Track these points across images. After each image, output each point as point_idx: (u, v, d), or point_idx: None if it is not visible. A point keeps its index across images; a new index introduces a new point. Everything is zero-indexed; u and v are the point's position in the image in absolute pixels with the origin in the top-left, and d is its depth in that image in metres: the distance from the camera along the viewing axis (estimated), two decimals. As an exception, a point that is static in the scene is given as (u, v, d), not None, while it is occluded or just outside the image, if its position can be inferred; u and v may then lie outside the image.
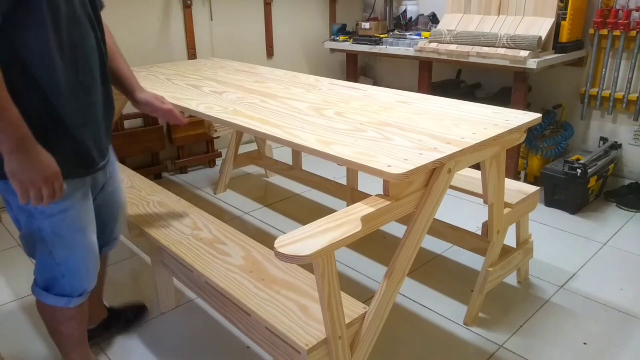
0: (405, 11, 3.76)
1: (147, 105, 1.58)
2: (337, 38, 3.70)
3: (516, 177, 2.97)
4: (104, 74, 1.33)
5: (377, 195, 1.31)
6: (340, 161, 1.31)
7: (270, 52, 3.89)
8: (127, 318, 1.90)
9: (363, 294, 2.09)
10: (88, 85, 1.26)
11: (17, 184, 1.10)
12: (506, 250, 1.95)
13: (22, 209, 1.26)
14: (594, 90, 2.98)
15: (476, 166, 1.65)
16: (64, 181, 1.20)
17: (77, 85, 1.22)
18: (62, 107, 1.19)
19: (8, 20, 1.05)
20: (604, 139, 3.06)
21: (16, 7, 1.05)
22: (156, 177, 3.39)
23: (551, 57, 2.72)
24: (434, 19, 3.58)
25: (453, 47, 2.91)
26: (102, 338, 1.82)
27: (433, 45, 3.01)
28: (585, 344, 1.79)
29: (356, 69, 3.85)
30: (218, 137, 3.22)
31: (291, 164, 2.95)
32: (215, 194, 3.13)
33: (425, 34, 3.28)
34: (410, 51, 3.15)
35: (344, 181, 2.67)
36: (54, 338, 1.50)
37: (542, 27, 2.74)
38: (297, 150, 2.80)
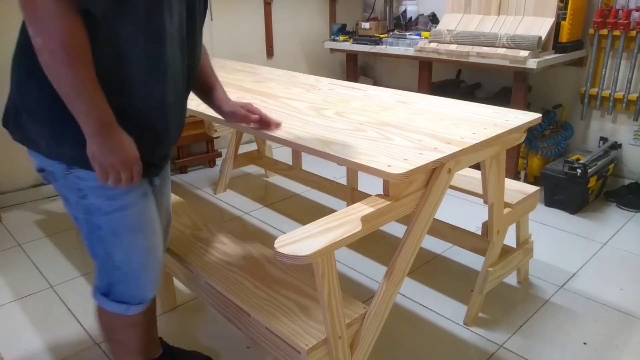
0: (405, 11, 3.76)
1: (232, 117, 1.50)
2: (337, 38, 3.70)
3: (516, 177, 2.97)
4: (187, 89, 1.32)
5: (377, 195, 1.30)
6: (340, 161, 1.31)
7: (270, 52, 3.89)
8: None
9: (363, 294, 2.09)
10: (173, 101, 1.23)
11: (97, 166, 1.10)
12: (506, 250, 1.95)
13: (80, 205, 1.20)
14: (594, 90, 2.98)
15: (476, 166, 1.65)
16: None
17: (162, 97, 1.19)
18: (143, 115, 1.18)
19: (108, 18, 1.04)
20: (604, 139, 3.06)
21: (117, 12, 1.05)
22: (156, 177, 3.38)
23: (551, 57, 2.72)
24: (434, 19, 3.58)
25: (453, 47, 2.91)
26: None
27: (433, 45, 3.01)
28: (585, 344, 1.79)
29: (356, 69, 3.85)
30: (218, 137, 3.22)
31: (291, 164, 2.95)
32: (215, 194, 3.13)
33: (425, 34, 3.28)
34: (410, 51, 3.15)
35: (344, 181, 2.67)
36: (110, 345, 1.44)
37: (542, 27, 2.74)
38: (297, 150, 2.80)
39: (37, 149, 1.17)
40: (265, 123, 1.53)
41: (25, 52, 1.09)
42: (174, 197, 2.12)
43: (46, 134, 1.13)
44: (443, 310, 1.98)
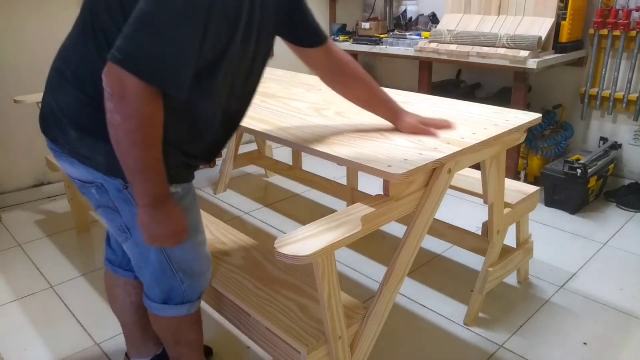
0: (405, 11, 3.76)
1: (412, 133, 1.49)
2: (337, 38, 3.70)
3: (516, 177, 2.97)
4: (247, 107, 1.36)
5: (377, 195, 1.30)
6: (340, 161, 1.31)
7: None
8: None
9: (363, 294, 2.09)
10: (235, 121, 1.32)
11: (145, 233, 1.13)
12: (506, 250, 1.95)
13: (137, 216, 1.18)
14: (594, 90, 2.98)
15: (476, 166, 1.65)
16: (179, 185, 1.21)
17: (225, 122, 1.25)
18: (202, 136, 1.22)
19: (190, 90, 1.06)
20: (604, 139, 3.06)
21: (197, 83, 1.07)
22: (156, 177, 3.38)
23: (551, 57, 2.72)
24: (434, 19, 3.57)
25: (453, 47, 2.91)
26: None
27: (433, 45, 3.01)
28: (585, 344, 1.79)
29: (356, 69, 3.84)
30: (218, 137, 3.22)
31: (291, 164, 2.95)
32: (215, 194, 3.13)
33: (425, 34, 3.28)
34: (410, 51, 3.15)
35: (344, 181, 2.67)
36: (178, 349, 1.44)
37: (542, 27, 2.74)
38: (297, 150, 2.80)
39: (91, 164, 1.16)
40: (443, 127, 1.52)
41: (85, 75, 1.10)
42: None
43: (107, 151, 1.09)
44: (443, 310, 1.98)
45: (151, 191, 1.08)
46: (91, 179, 1.19)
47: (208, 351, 1.78)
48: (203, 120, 1.17)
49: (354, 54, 3.72)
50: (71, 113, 1.14)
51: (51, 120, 1.19)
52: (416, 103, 1.85)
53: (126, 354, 1.64)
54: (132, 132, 0.99)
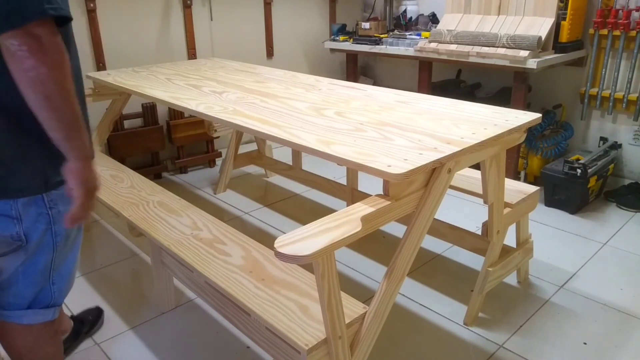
0: (405, 11, 3.76)
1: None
2: (337, 38, 3.70)
3: (516, 177, 2.97)
4: None
5: (377, 195, 1.31)
6: (340, 161, 1.32)
7: (270, 52, 3.89)
8: (90, 321, 1.88)
9: (363, 294, 2.09)
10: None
11: (84, 192, 1.09)
12: (506, 250, 1.95)
13: (43, 217, 1.17)
14: (594, 90, 2.98)
15: (476, 166, 1.65)
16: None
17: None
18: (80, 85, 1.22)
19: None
20: (604, 139, 3.06)
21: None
22: (156, 177, 3.39)
23: (551, 57, 2.72)
24: (434, 19, 3.58)
25: (453, 47, 2.91)
26: (73, 346, 1.81)
27: (433, 45, 3.01)
28: (585, 344, 1.79)
29: (356, 69, 3.85)
30: (218, 137, 3.22)
31: (291, 164, 2.95)
32: (215, 194, 3.13)
33: (425, 34, 3.28)
34: (410, 51, 3.15)
35: (344, 181, 2.67)
36: None
37: (542, 27, 2.74)
38: (297, 150, 2.80)
39: (20, 194, 1.13)
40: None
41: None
42: (174, 197, 2.12)
43: (26, 173, 1.11)
44: (443, 310, 1.98)
45: (86, 141, 1.08)
46: (16, 215, 1.14)
47: (98, 313, 1.93)
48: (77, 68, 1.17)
49: (354, 54, 3.73)
50: None
51: None
52: (416, 103, 1.85)
53: None
54: (62, 80, 0.99)
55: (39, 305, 1.28)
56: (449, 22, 3.15)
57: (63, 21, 1.01)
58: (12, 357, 1.35)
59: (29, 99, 0.99)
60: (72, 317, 1.86)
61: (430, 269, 2.27)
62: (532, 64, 2.60)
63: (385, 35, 3.50)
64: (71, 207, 1.10)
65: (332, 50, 3.76)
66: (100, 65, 3.07)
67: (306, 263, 1.09)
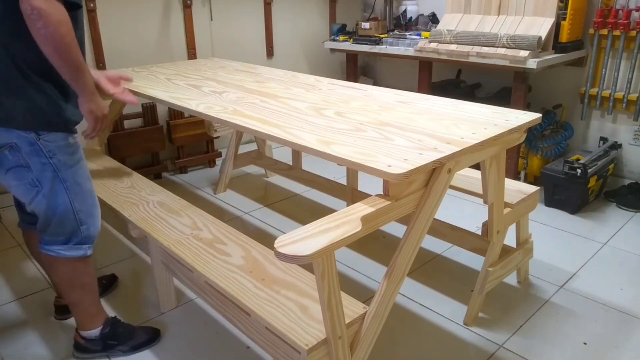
0: (405, 11, 3.76)
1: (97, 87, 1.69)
2: (337, 38, 3.70)
3: (516, 177, 2.97)
4: None
5: (377, 195, 1.31)
6: (340, 161, 1.31)
7: (270, 52, 3.89)
8: (103, 285, 2.10)
9: (363, 294, 2.09)
10: None
11: (93, 119, 1.47)
12: (506, 250, 1.95)
13: (47, 166, 1.45)
14: (594, 90, 2.99)
15: (476, 166, 1.65)
16: (77, 135, 1.51)
17: None
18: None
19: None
20: (604, 139, 3.06)
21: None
22: (156, 177, 3.39)
23: (551, 57, 2.72)
24: (434, 19, 3.58)
25: (453, 47, 2.91)
26: None
27: (433, 45, 3.01)
28: (585, 344, 1.79)
29: (356, 69, 3.85)
30: (218, 137, 3.22)
31: (291, 164, 2.95)
32: (215, 194, 3.13)
33: (425, 34, 3.28)
34: (410, 51, 3.15)
35: (344, 181, 2.67)
36: (75, 294, 1.64)
37: (542, 27, 2.74)
38: (297, 150, 2.80)
39: (7, 124, 1.39)
40: (124, 99, 1.79)
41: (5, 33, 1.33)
42: (174, 197, 2.12)
43: (24, 107, 1.38)
44: (443, 310, 1.98)
45: (90, 81, 1.41)
46: (4, 142, 1.41)
47: (112, 278, 2.16)
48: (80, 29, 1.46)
49: (354, 54, 3.73)
50: None
51: None
52: (416, 103, 1.85)
53: (76, 330, 1.75)
54: (65, 34, 1.28)
55: (72, 242, 1.57)
56: (449, 22, 3.15)
57: (72, 7, 1.33)
58: (55, 284, 1.79)
59: (43, 50, 1.29)
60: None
61: (430, 269, 2.27)
62: (532, 64, 2.60)
63: (385, 35, 3.51)
64: (86, 128, 1.51)
65: (332, 50, 3.76)
66: (100, 65, 3.08)
67: (306, 263, 1.09)
